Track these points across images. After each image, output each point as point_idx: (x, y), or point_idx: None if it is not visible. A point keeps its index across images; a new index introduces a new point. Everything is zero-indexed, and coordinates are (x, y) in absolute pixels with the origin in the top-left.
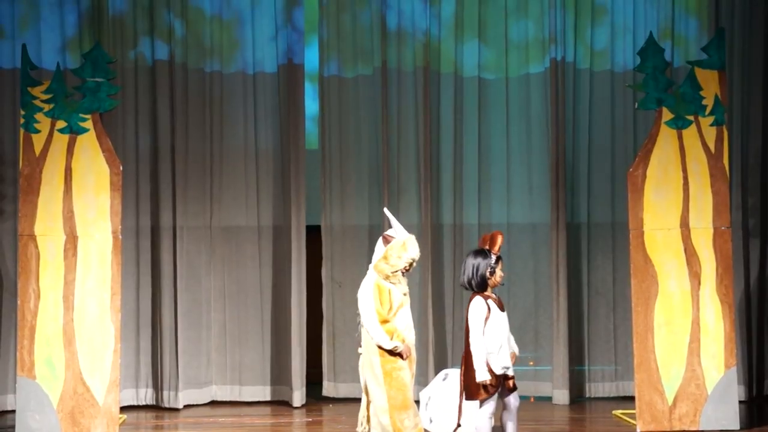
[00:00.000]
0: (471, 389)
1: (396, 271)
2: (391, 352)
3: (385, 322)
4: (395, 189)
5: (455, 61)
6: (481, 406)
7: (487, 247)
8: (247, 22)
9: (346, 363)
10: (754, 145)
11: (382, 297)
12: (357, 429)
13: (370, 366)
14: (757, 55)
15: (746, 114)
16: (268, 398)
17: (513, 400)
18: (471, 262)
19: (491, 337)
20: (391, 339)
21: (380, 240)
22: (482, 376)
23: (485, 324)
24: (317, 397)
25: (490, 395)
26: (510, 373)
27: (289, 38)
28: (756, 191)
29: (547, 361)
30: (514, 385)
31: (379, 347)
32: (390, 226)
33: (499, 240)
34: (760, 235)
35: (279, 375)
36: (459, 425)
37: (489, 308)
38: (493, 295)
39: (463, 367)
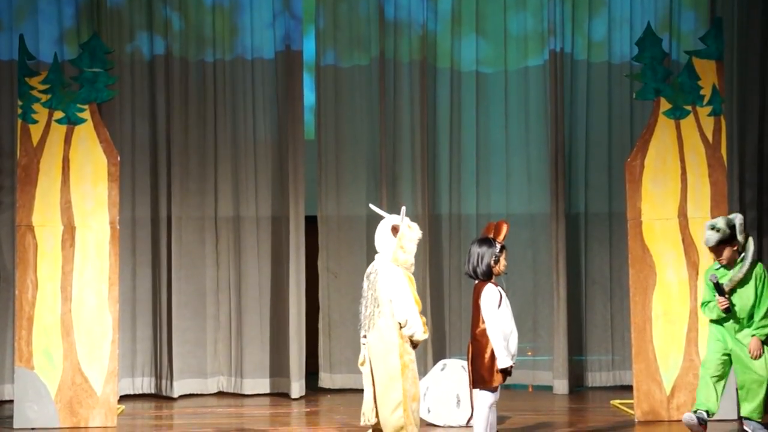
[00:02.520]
0: (482, 377)
1: (413, 255)
2: (412, 343)
3: (421, 313)
4: (392, 179)
5: (452, 55)
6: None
7: (491, 235)
8: (245, 9)
9: (342, 354)
10: (751, 135)
11: (413, 288)
12: (362, 422)
13: (386, 358)
14: (754, 45)
15: (743, 105)
16: (268, 389)
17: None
18: (476, 250)
19: (502, 324)
20: (424, 332)
21: (386, 230)
22: (504, 362)
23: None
24: (314, 388)
25: (503, 382)
26: (514, 360)
27: (287, 25)
28: (753, 181)
29: (545, 350)
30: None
31: (409, 338)
32: (383, 218)
33: (504, 229)
34: (757, 227)
35: (278, 366)
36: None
37: (501, 295)
38: (500, 284)
39: (470, 355)
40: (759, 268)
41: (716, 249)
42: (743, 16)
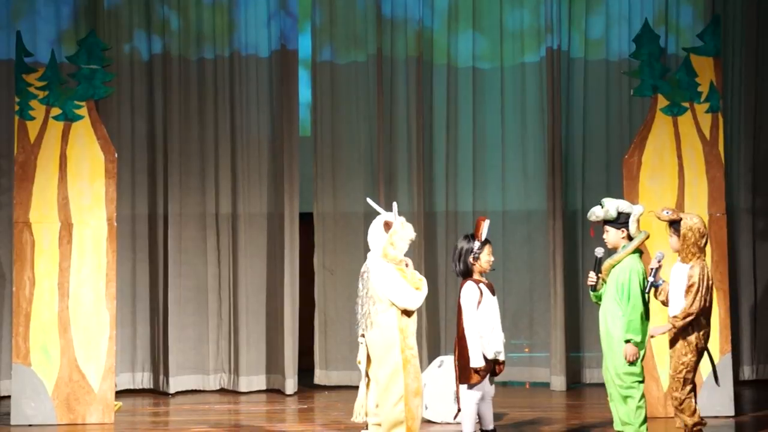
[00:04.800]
0: (463, 373)
1: (404, 254)
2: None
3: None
4: (388, 176)
5: (449, 51)
6: (468, 390)
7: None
8: (241, 8)
9: (338, 351)
10: (745, 132)
11: (406, 279)
12: (354, 419)
13: (387, 354)
14: (750, 41)
15: (738, 101)
16: (263, 386)
17: (488, 387)
18: (457, 248)
19: (483, 321)
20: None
21: (378, 227)
22: (477, 361)
23: (477, 308)
24: (310, 385)
25: (481, 380)
26: (501, 357)
27: (283, 24)
28: (748, 181)
29: (542, 347)
30: (500, 370)
31: (405, 311)
32: (379, 214)
33: (482, 225)
34: (752, 229)
35: (273, 363)
36: (460, 410)
37: (481, 292)
38: (485, 280)
39: (456, 352)
40: (633, 260)
41: (603, 226)
42: (737, 11)
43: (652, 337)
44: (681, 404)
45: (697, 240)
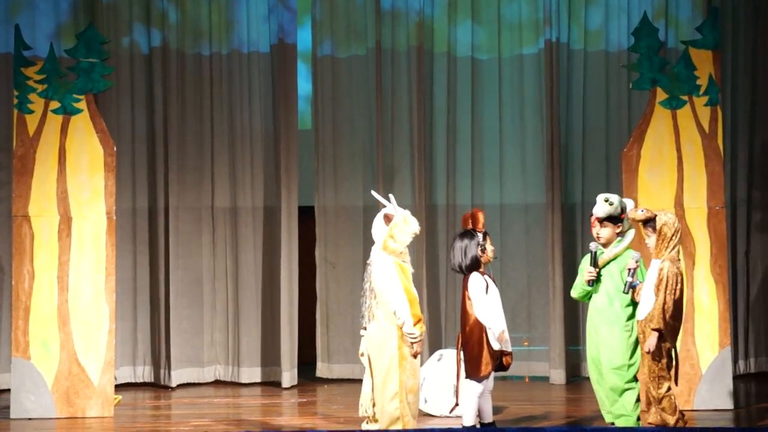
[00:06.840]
0: (471, 366)
1: (404, 247)
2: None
3: (413, 300)
4: (389, 170)
5: (449, 41)
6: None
7: (470, 226)
8: (240, 2)
9: (339, 344)
10: (742, 125)
11: (406, 276)
12: (360, 413)
13: (384, 348)
14: (749, 34)
15: (735, 93)
16: (264, 378)
17: (488, 381)
18: (459, 245)
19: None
20: (414, 325)
21: (380, 220)
22: (497, 344)
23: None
24: (312, 378)
25: (490, 373)
26: (508, 348)
27: (282, 18)
28: (743, 171)
29: (540, 341)
30: (507, 363)
31: (399, 327)
32: (383, 206)
33: (480, 217)
34: (746, 224)
35: (271, 356)
36: (457, 404)
37: (487, 284)
38: (487, 272)
39: (460, 346)
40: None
41: (602, 222)
42: (736, 4)
43: (649, 352)
44: (660, 403)
45: (673, 235)
